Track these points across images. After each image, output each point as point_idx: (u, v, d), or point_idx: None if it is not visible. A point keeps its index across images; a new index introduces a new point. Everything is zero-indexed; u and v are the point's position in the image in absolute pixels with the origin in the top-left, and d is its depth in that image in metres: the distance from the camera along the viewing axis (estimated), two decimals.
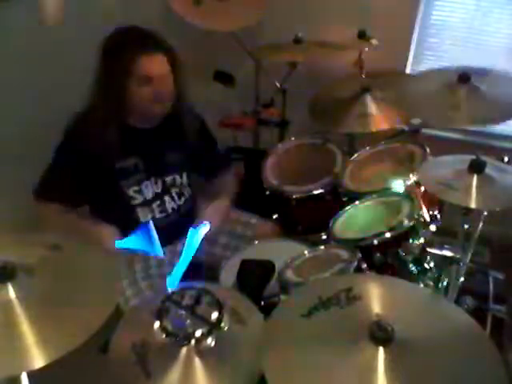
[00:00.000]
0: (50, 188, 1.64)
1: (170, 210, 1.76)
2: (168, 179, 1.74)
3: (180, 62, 1.61)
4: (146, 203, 1.71)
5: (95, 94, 1.57)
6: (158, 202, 1.73)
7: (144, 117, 1.66)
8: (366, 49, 2.13)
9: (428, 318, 1.01)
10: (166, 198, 1.75)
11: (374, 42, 2.11)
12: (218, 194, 1.87)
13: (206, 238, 1.81)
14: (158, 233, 1.74)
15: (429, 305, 1.08)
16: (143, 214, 1.71)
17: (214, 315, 1.01)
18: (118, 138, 1.60)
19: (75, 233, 1.60)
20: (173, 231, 1.79)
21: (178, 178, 1.77)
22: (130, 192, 1.67)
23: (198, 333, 0.98)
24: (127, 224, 1.70)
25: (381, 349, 0.89)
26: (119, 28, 1.57)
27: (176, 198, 1.77)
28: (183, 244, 1.83)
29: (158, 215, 1.74)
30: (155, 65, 1.53)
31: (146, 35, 1.55)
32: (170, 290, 1.36)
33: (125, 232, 1.68)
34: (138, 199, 1.69)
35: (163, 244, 1.80)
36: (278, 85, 2.33)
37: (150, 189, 1.71)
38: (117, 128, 1.59)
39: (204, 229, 1.63)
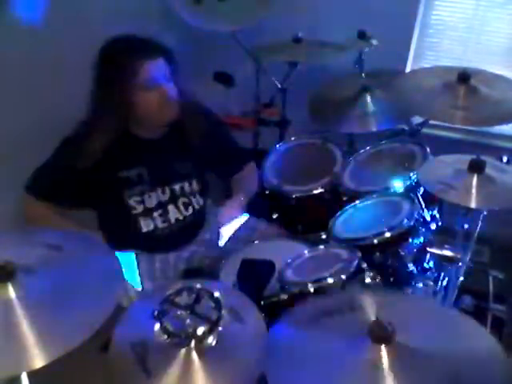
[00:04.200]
0: (44, 186, 1.62)
1: (173, 220, 1.72)
2: (176, 187, 1.72)
3: (177, 61, 1.61)
4: (147, 212, 1.68)
5: (97, 102, 1.56)
6: (160, 211, 1.69)
7: (151, 126, 1.65)
8: (366, 49, 2.13)
9: (432, 330, 1.00)
10: (170, 208, 1.71)
11: (374, 42, 2.11)
12: (233, 192, 1.87)
13: (210, 243, 1.80)
14: (160, 242, 1.72)
15: (435, 319, 1.06)
16: (145, 224, 1.68)
17: (214, 314, 1.01)
18: (121, 147, 1.60)
19: None
20: (176, 240, 1.76)
21: (186, 185, 1.74)
22: (131, 202, 1.65)
23: (199, 332, 0.98)
24: (129, 234, 1.68)
25: (382, 348, 0.89)
26: (117, 36, 1.56)
27: (182, 208, 1.73)
28: (188, 250, 1.80)
29: (160, 225, 1.70)
30: (159, 69, 1.54)
31: (146, 41, 1.55)
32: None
33: (127, 242, 1.66)
34: (138, 209, 1.66)
35: (167, 250, 1.78)
36: (278, 85, 2.33)
37: (153, 199, 1.68)
38: (119, 137, 1.59)
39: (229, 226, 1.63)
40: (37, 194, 1.63)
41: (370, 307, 1.02)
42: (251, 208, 1.97)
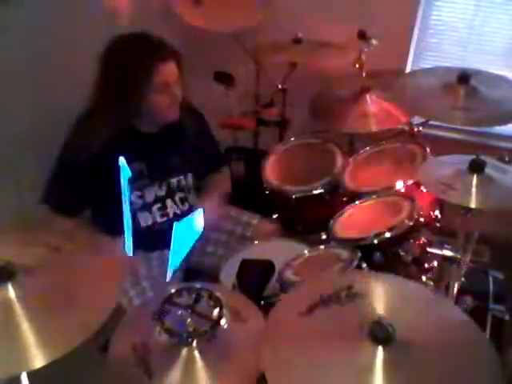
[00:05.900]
0: (61, 201, 1.62)
1: (171, 215, 1.74)
2: (173, 181, 1.73)
3: (183, 64, 1.62)
4: (146, 206, 1.69)
5: (104, 97, 1.56)
6: (159, 205, 1.71)
7: (154, 122, 1.66)
8: (366, 49, 2.13)
9: (428, 318, 1.01)
10: (168, 202, 1.73)
11: (374, 42, 2.11)
12: (208, 192, 1.87)
13: (206, 238, 1.81)
14: (159, 236, 1.70)
15: (429, 304, 1.07)
16: (144, 219, 1.69)
17: (215, 312, 1.01)
18: (123, 141, 1.60)
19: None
20: None
21: (182, 179, 1.76)
22: (132, 197, 1.64)
23: (201, 331, 0.98)
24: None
25: (380, 348, 0.89)
26: (128, 35, 1.56)
27: (179, 203, 1.76)
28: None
29: (158, 219, 1.72)
30: (171, 71, 1.55)
31: (159, 43, 1.56)
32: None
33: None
34: (138, 204, 1.67)
35: (164, 246, 1.79)
36: (278, 85, 2.33)
37: (151, 193, 1.69)
38: (123, 132, 1.59)
39: (199, 217, 1.60)
40: (60, 212, 1.62)
41: (369, 299, 1.01)
42: (248, 204, 1.98)
